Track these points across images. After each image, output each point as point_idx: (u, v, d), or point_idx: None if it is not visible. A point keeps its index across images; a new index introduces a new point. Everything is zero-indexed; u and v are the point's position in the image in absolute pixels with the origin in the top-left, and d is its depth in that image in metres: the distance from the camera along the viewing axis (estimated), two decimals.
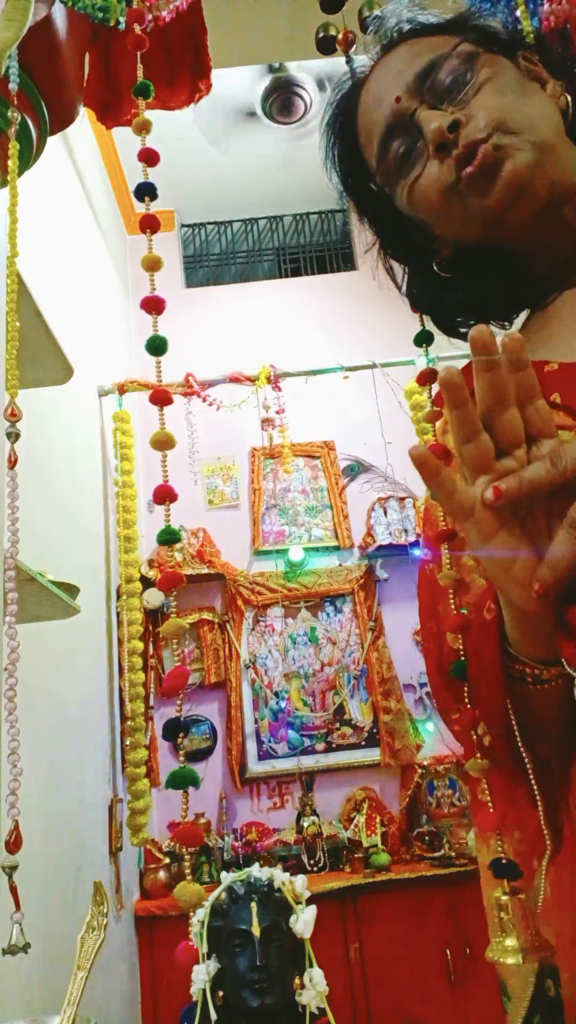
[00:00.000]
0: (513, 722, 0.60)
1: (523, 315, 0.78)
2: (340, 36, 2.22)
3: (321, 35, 2.21)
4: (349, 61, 2.41)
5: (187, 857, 0.75)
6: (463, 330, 0.81)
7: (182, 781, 0.77)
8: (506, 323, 0.81)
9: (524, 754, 0.60)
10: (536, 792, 0.61)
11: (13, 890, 0.82)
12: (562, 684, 0.56)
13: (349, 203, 0.80)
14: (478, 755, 0.66)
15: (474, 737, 0.66)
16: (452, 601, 0.70)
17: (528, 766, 0.60)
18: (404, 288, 0.82)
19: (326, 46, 2.23)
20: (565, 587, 0.48)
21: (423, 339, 0.83)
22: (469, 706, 0.67)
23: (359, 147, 0.74)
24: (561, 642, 0.52)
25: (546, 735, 0.62)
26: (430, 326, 0.83)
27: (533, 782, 0.61)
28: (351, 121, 0.74)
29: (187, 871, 0.74)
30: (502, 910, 0.63)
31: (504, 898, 0.63)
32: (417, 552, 3.31)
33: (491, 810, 0.67)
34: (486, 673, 0.60)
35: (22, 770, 0.86)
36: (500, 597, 0.56)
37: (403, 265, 0.81)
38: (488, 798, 0.67)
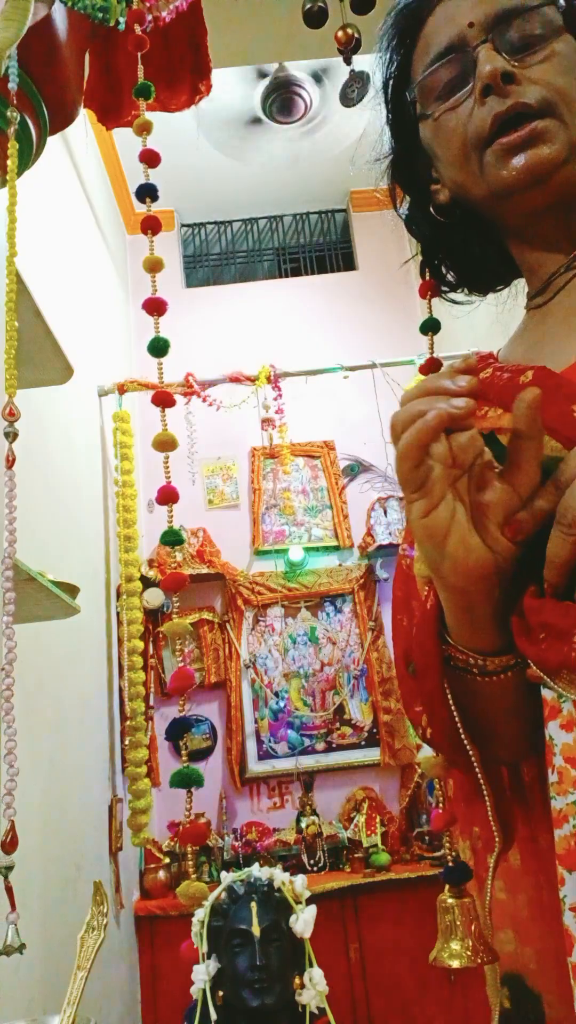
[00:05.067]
0: (453, 710, 0.59)
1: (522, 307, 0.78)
2: (340, 33, 2.22)
3: (308, 6, 2.20)
4: (348, 62, 2.37)
5: (189, 856, 0.75)
6: (448, 277, 0.80)
7: (187, 780, 0.77)
8: (484, 293, 0.81)
9: (467, 744, 0.60)
10: (482, 782, 0.60)
11: (9, 891, 0.82)
12: (512, 676, 0.56)
13: (381, 105, 0.78)
14: (435, 753, 0.67)
15: (420, 729, 0.66)
16: (425, 596, 0.70)
17: (472, 756, 0.60)
18: (403, 213, 0.81)
19: (314, 19, 2.22)
20: (531, 533, 0.51)
21: (429, 327, 0.82)
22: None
23: (413, 53, 0.73)
24: (519, 637, 0.53)
25: (504, 734, 0.61)
26: (437, 312, 0.83)
27: (478, 772, 0.60)
28: (417, 24, 0.72)
29: (191, 869, 0.74)
30: (449, 913, 0.63)
31: (450, 901, 0.63)
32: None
33: (440, 810, 0.67)
34: (426, 661, 0.60)
35: (19, 770, 0.86)
36: (435, 581, 0.57)
37: (405, 193, 0.80)
38: (442, 797, 0.67)
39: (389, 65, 0.76)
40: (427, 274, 0.80)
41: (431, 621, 0.60)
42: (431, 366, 0.78)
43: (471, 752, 0.60)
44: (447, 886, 0.64)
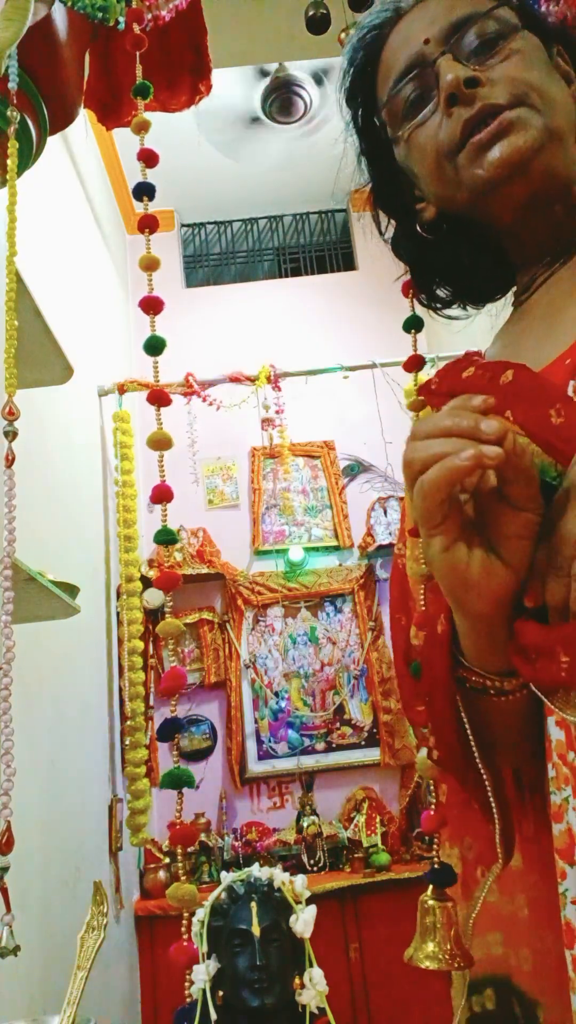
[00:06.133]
0: (469, 736, 0.58)
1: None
2: (342, 34, 2.22)
3: (311, 13, 2.20)
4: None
5: (180, 857, 0.75)
6: (441, 294, 0.80)
7: (177, 781, 0.77)
8: (482, 303, 0.81)
9: (483, 770, 0.59)
10: (494, 808, 0.59)
11: (4, 891, 0.82)
12: (527, 695, 0.55)
13: (353, 136, 0.79)
14: (429, 753, 0.66)
15: (419, 730, 0.66)
16: (420, 597, 0.70)
17: (487, 782, 0.59)
18: (389, 237, 0.81)
19: (317, 25, 2.22)
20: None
21: (412, 324, 0.82)
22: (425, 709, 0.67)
23: (376, 80, 0.73)
24: (515, 659, 0.52)
25: (512, 749, 0.61)
26: (420, 311, 0.83)
27: (491, 798, 0.59)
28: (376, 53, 0.73)
29: (180, 871, 0.74)
30: (428, 914, 0.62)
31: (431, 903, 0.63)
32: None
33: (432, 812, 0.67)
34: (437, 686, 0.59)
35: (16, 770, 0.86)
36: (454, 608, 0.55)
37: (389, 217, 0.80)
38: (433, 800, 0.67)
39: (353, 98, 0.76)
40: (414, 286, 0.80)
41: (444, 647, 0.59)
42: (414, 363, 0.78)
43: (487, 779, 0.59)
44: (430, 887, 0.64)
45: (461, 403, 0.51)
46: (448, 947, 0.61)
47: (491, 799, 0.59)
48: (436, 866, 0.65)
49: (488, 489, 0.49)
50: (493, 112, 0.62)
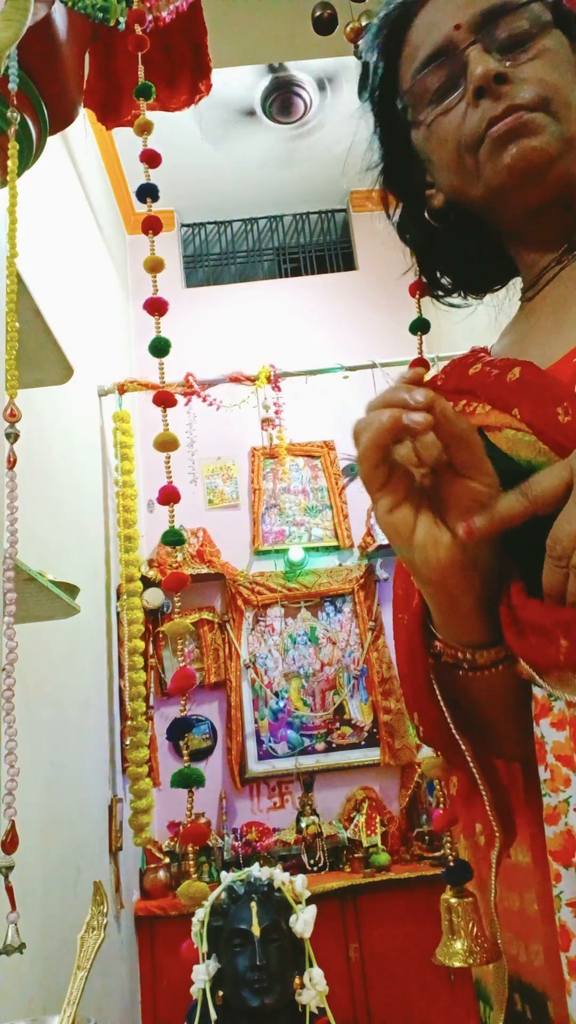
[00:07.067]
0: (442, 706, 0.60)
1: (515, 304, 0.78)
2: (348, 28, 2.22)
3: (318, 13, 2.21)
4: (360, 56, 2.39)
5: (190, 856, 0.75)
6: (444, 282, 0.80)
7: (188, 780, 0.77)
8: (483, 294, 0.81)
9: (459, 738, 0.60)
10: (478, 777, 0.60)
11: (9, 890, 0.82)
12: (504, 670, 0.56)
13: (368, 113, 0.78)
14: (436, 753, 0.67)
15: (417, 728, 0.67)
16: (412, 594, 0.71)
17: (465, 750, 0.60)
18: (396, 222, 0.80)
19: (325, 26, 2.22)
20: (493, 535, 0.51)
21: (418, 326, 0.82)
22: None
23: (399, 59, 0.72)
24: (507, 631, 0.53)
25: (508, 731, 0.61)
26: (427, 313, 0.83)
27: (473, 766, 0.60)
28: (401, 30, 0.71)
29: (191, 869, 0.74)
30: (451, 912, 0.63)
31: (453, 900, 0.63)
32: None
33: (441, 810, 0.67)
34: (413, 659, 0.61)
35: (19, 770, 0.86)
36: (413, 577, 0.58)
37: (397, 200, 0.79)
38: (442, 797, 0.68)
39: (374, 74, 0.75)
40: (423, 278, 0.80)
41: (417, 619, 0.61)
42: (419, 366, 0.78)
43: (464, 746, 0.60)
44: (448, 886, 0.64)
45: (399, 379, 0.55)
46: (474, 943, 0.61)
47: (472, 768, 0.60)
48: (451, 864, 0.65)
49: (443, 463, 0.52)
50: (515, 111, 0.63)
